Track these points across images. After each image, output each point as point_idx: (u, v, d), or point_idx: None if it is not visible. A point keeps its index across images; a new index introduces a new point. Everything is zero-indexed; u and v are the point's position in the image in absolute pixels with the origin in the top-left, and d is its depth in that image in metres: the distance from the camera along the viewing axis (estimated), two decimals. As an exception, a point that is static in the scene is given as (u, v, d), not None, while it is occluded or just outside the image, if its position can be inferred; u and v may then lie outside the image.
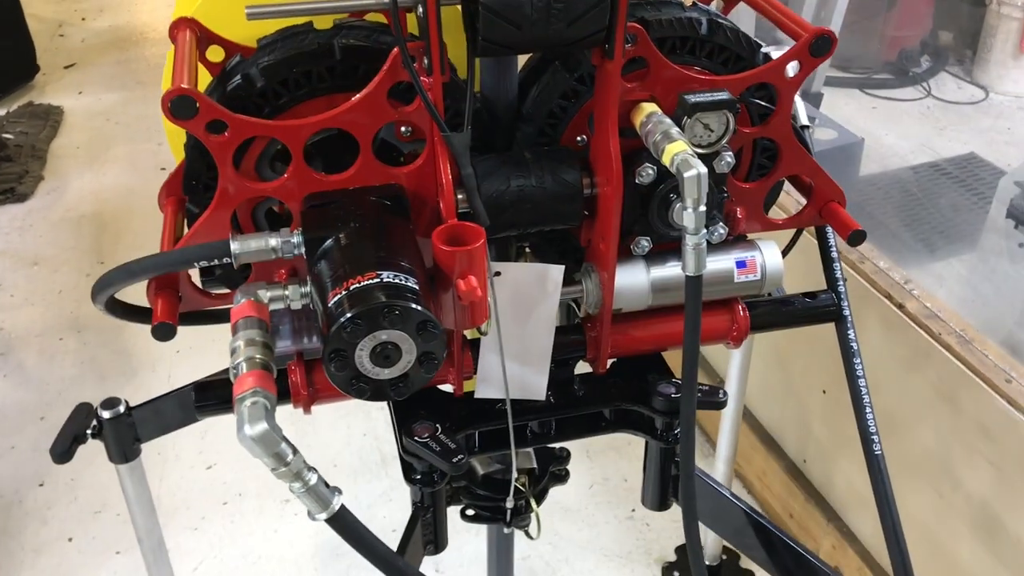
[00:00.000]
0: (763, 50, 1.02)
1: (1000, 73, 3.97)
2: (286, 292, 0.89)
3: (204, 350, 2.31)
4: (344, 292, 0.79)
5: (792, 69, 0.98)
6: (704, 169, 0.85)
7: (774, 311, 1.11)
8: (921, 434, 1.72)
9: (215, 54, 1.02)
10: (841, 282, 1.13)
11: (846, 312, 1.12)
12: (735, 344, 1.09)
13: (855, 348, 1.11)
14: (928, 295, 1.71)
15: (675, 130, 0.90)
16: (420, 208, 0.96)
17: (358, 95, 0.88)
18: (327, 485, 0.84)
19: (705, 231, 0.87)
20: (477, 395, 1.05)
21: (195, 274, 0.98)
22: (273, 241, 0.87)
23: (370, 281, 0.79)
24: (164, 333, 0.90)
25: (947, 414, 1.66)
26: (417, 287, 0.80)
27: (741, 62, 1.01)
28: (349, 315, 0.77)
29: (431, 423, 1.02)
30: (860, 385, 1.10)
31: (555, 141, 1.01)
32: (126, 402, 1.15)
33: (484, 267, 0.87)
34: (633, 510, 2.24)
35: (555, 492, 1.29)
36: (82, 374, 2.62)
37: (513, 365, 1.03)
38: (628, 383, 1.08)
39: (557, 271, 0.99)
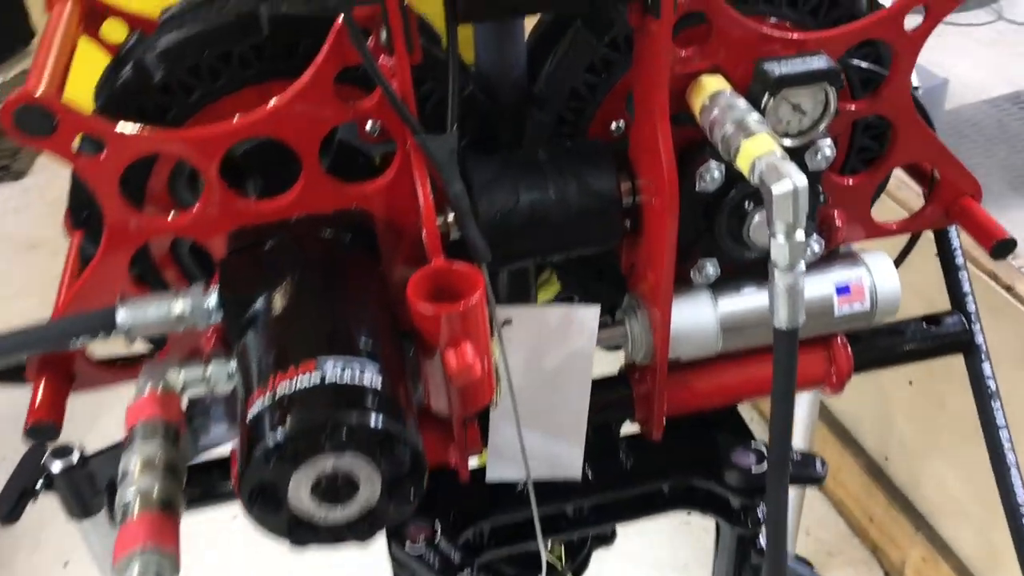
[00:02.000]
0: (867, -11, 0.73)
1: (1081, -11, 3.56)
2: (207, 373, 0.63)
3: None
4: (268, 398, 0.52)
5: (913, 19, 0.68)
6: (803, 181, 0.57)
7: (884, 345, 0.83)
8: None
9: (115, 29, 0.75)
10: (970, 298, 0.85)
11: (979, 340, 0.84)
12: (834, 391, 0.82)
13: (993, 388, 0.83)
14: (1044, 273, 1.41)
15: (754, 117, 0.62)
16: (396, 237, 0.69)
17: (290, 88, 0.61)
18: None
19: (803, 267, 0.60)
20: (489, 478, 0.78)
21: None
22: (179, 306, 0.61)
23: (306, 378, 0.52)
24: (41, 435, 0.65)
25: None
26: (379, 382, 0.54)
27: (836, 9, 0.72)
28: (275, 438, 0.50)
29: (428, 521, 0.76)
30: (1002, 439, 0.82)
31: (581, 131, 0.73)
32: (81, 450, 0.92)
33: (485, 328, 0.61)
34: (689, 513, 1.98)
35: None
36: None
37: (536, 436, 0.77)
38: (692, 448, 0.82)
39: (591, 314, 0.72)
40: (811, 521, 1.95)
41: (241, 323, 0.60)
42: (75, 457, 0.89)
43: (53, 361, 0.68)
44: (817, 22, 0.72)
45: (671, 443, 0.81)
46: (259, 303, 0.59)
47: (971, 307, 0.85)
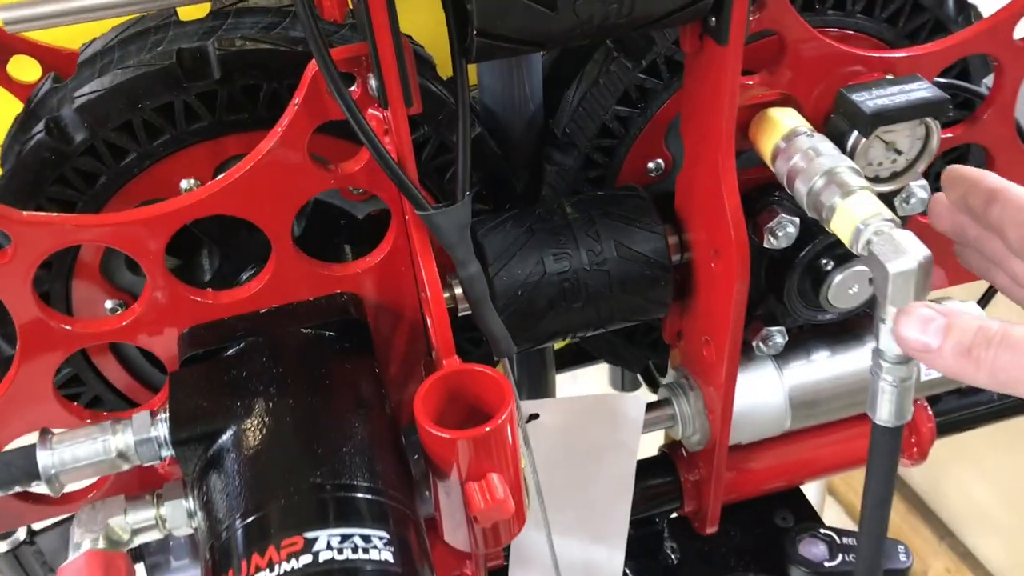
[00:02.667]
0: (953, -12, 0.60)
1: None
2: (162, 514, 0.49)
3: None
4: (243, 588, 0.39)
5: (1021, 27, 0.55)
6: (927, 254, 0.44)
7: (967, 407, 0.71)
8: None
9: (25, 69, 0.60)
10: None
11: (1073, 390, 0.72)
12: (914, 462, 0.70)
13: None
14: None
15: (847, 167, 0.49)
16: (393, 323, 0.55)
17: (251, 155, 0.46)
18: None
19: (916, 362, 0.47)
20: (513, 590, 0.65)
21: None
22: (118, 442, 0.47)
23: (294, 564, 0.39)
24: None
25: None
26: (390, 551, 0.40)
27: (921, 14, 0.59)
28: (252, 654, 0.37)
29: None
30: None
31: (611, 174, 0.60)
32: (28, 528, 0.80)
33: (515, 449, 0.47)
34: None
35: None
36: None
37: (569, 542, 0.64)
38: (749, 536, 0.69)
39: (635, 404, 0.59)
40: (830, 509, 1.85)
41: (203, 461, 0.46)
42: (22, 534, 0.78)
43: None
44: (896, 31, 0.59)
45: (724, 531, 0.68)
46: (225, 436, 0.46)
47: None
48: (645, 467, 0.67)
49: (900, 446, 0.51)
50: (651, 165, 0.60)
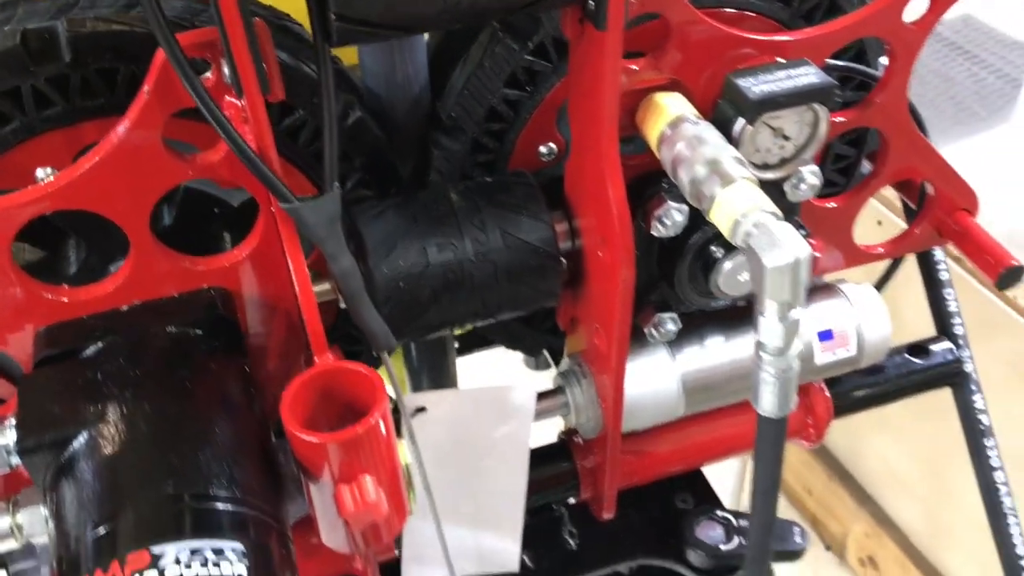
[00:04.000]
0: (848, -32, 0.58)
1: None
2: (18, 521, 0.47)
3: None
4: (84, 611, 0.37)
5: (912, 10, 0.55)
6: (806, 250, 0.43)
7: (866, 385, 0.71)
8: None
9: None
10: (958, 320, 0.73)
11: (968, 367, 0.73)
12: (811, 443, 0.70)
13: (985, 425, 0.72)
14: None
15: (730, 157, 0.47)
16: (269, 314, 0.53)
17: (99, 146, 0.43)
18: None
19: (797, 346, 0.46)
20: (406, 583, 0.64)
21: None
22: (-34, 450, 0.44)
23: (138, 581, 0.37)
24: None
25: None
26: (244, 566, 0.39)
27: (814, -5, 0.58)
28: None
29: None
30: (995, 481, 0.72)
31: (501, 159, 0.58)
32: None
33: (390, 449, 0.46)
34: None
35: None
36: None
37: (463, 531, 0.62)
38: (648, 519, 0.69)
39: (525, 396, 0.57)
40: (748, 493, 1.87)
41: (55, 467, 0.44)
42: None
43: None
44: (790, 11, 0.58)
45: (623, 515, 0.67)
46: (78, 441, 0.43)
47: (959, 330, 0.73)
48: (542, 455, 0.66)
49: (785, 434, 0.50)
50: (543, 149, 0.58)
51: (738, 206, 0.45)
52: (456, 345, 0.80)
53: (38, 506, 0.47)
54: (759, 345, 0.46)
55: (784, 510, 1.87)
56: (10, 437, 0.44)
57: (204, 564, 0.38)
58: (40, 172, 0.50)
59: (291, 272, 0.46)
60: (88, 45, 0.47)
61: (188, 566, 0.37)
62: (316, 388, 0.46)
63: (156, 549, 0.38)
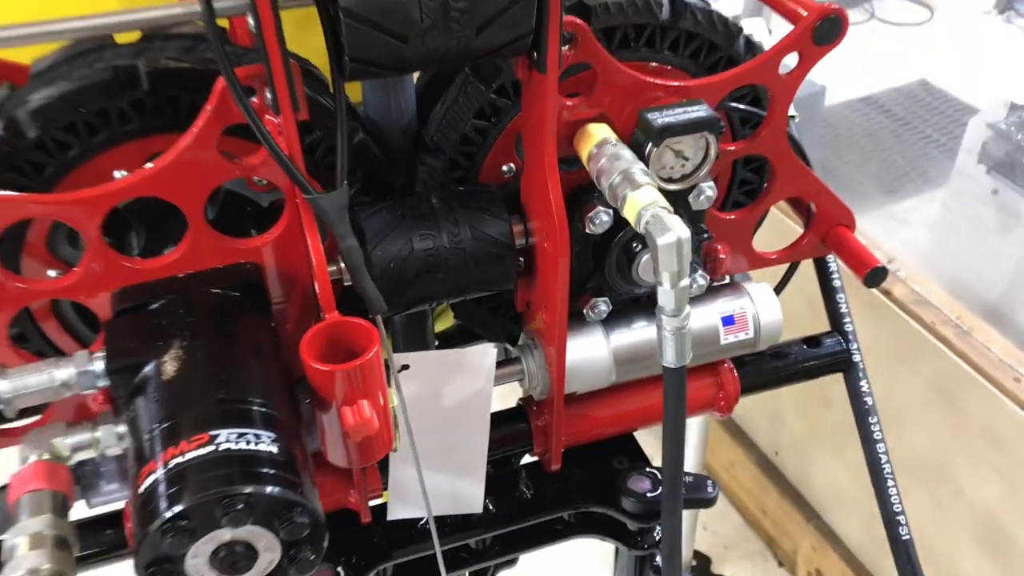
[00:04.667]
0: (744, 31, 0.76)
1: (943, -9, 3.75)
2: (96, 435, 0.61)
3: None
4: (161, 471, 0.51)
5: (788, 62, 0.71)
6: (686, 233, 0.59)
7: (769, 368, 0.86)
8: (915, 438, 1.51)
9: (-18, 78, 0.71)
10: (848, 319, 0.89)
11: (856, 358, 0.88)
12: (723, 414, 0.85)
13: (870, 404, 0.88)
14: (916, 277, 1.49)
15: (638, 168, 0.64)
16: (289, 288, 0.69)
17: (172, 149, 0.59)
18: None
19: (688, 310, 0.62)
20: (390, 517, 0.79)
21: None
22: (62, 374, 0.59)
23: (201, 452, 0.52)
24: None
25: (946, 417, 1.45)
26: (276, 447, 0.54)
27: (715, 52, 0.75)
28: (171, 513, 0.50)
29: (331, 565, 0.76)
30: (879, 451, 0.87)
31: (472, 174, 0.74)
32: None
33: (381, 383, 0.61)
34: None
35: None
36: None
37: (437, 475, 0.77)
38: (590, 475, 0.83)
39: (488, 355, 0.73)
40: (708, 516, 2.01)
41: (130, 388, 0.59)
42: None
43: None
44: (697, 65, 0.75)
45: (569, 472, 0.83)
46: (148, 368, 0.58)
47: (849, 327, 0.89)
48: (504, 416, 0.81)
49: (685, 383, 0.65)
50: (505, 168, 0.75)
51: (641, 202, 0.61)
52: (436, 343, 0.95)
53: (111, 425, 0.62)
54: (659, 309, 0.62)
55: (743, 531, 2.01)
56: (98, 365, 0.59)
57: (248, 443, 0.53)
58: (117, 174, 0.66)
59: (308, 248, 0.62)
60: (160, 78, 0.63)
61: (236, 443, 0.52)
62: (326, 335, 0.61)
63: (212, 432, 0.52)
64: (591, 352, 0.76)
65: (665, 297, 0.61)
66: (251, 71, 0.58)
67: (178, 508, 0.50)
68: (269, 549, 0.53)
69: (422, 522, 0.80)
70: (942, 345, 1.41)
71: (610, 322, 0.77)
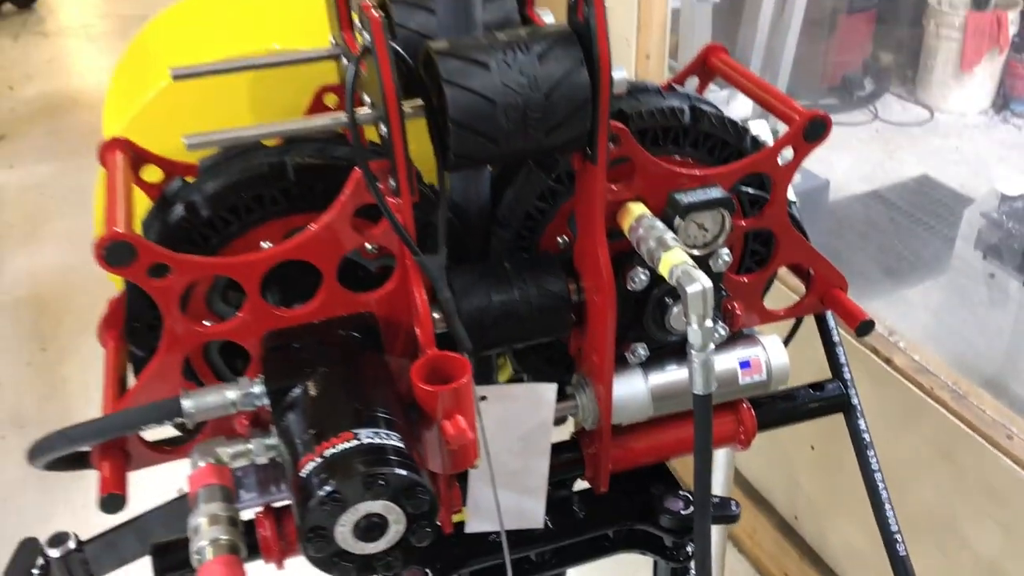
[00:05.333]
0: (750, 131, 0.95)
1: (943, 93, 3.99)
2: (249, 447, 0.79)
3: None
4: (319, 459, 0.69)
5: (785, 155, 0.90)
6: (709, 283, 0.77)
7: (781, 407, 1.03)
8: (921, 494, 1.65)
9: (152, 174, 0.91)
10: (846, 368, 1.06)
11: (855, 401, 1.05)
12: (743, 447, 1.01)
13: (867, 440, 1.04)
14: (915, 346, 1.65)
15: (669, 236, 0.82)
16: (393, 333, 0.86)
17: (318, 223, 0.78)
18: None
19: (712, 346, 0.79)
20: (468, 529, 0.95)
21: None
22: (231, 395, 0.77)
23: (348, 445, 0.69)
24: (114, 505, 0.79)
25: (947, 473, 1.59)
26: (401, 443, 0.71)
27: (727, 148, 0.94)
28: (327, 490, 0.67)
29: (420, 568, 0.91)
30: (876, 480, 1.02)
31: (533, 244, 0.93)
32: (76, 536, 1.03)
33: (472, 403, 0.78)
34: None
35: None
36: (25, 476, 2.46)
37: (506, 494, 0.93)
38: (632, 499, 0.99)
39: (550, 390, 0.90)
40: (733, 578, 2.13)
41: (283, 405, 0.76)
42: (72, 543, 1.00)
43: (113, 446, 0.82)
44: (713, 158, 0.94)
45: (615, 495, 0.99)
46: (296, 390, 0.76)
47: (847, 375, 1.06)
48: (561, 447, 0.97)
49: (711, 409, 0.82)
50: (560, 240, 0.93)
51: (672, 260, 0.79)
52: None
53: (261, 438, 0.79)
54: (689, 345, 0.79)
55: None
56: (258, 388, 0.77)
57: (382, 439, 0.70)
58: (264, 244, 0.85)
59: (416, 298, 0.80)
60: (303, 170, 0.82)
61: (373, 439, 0.69)
62: (430, 365, 0.78)
63: (355, 431, 0.70)
64: (633, 389, 0.93)
65: (694, 335, 0.78)
66: (381, 165, 0.77)
67: (333, 485, 0.67)
68: (397, 521, 0.70)
69: (492, 536, 0.96)
70: (941, 408, 1.57)
71: (648, 365, 0.94)
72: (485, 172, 0.91)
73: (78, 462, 0.90)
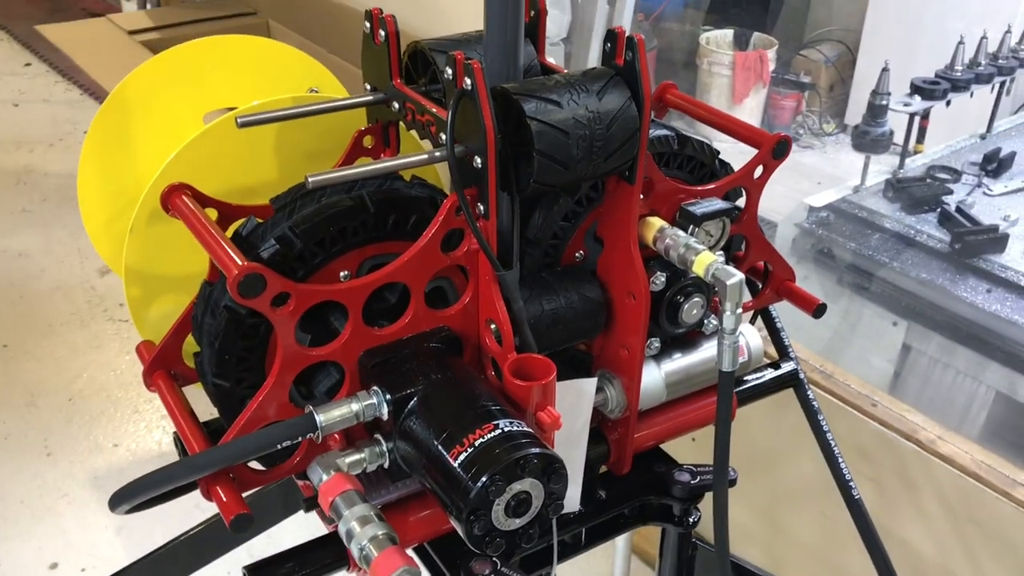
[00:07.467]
0: (719, 154, 1.13)
1: (721, 123, 4.45)
2: (363, 456, 0.86)
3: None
4: (470, 450, 0.78)
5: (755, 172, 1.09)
6: (742, 276, 0.93)
7: (753, 385, 1.21)
8: (802, 465, 1.91)
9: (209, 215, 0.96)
10: (791, 349, 1.26)
11: (801, 375, 1.25)
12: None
13: (816, 406, 1.24)
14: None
15: (694, 241, 0.98)
16: (466, 342, 0.96)
17: (414, 247, 0.88)
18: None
19: (740, 330, 0.95)
20: (521, 518, 1.05)
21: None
22: (355, 407, 0.84)
23: (492, 434, 0.79)
24: (243, 524, 0.83)
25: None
26: (525, 429, 0.81)
27: (704, 168, 1.11)
28: (489, 473, 0.76)
29: (486, 557, 1.01)
30: (829, 439, 1.23)
31: (556, 261, 1.05)
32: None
33: (554, 397, 0.90)
34: None
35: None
36: None
37: (551, 482, 1.05)
38: (642, 476, 1.13)
39: (590, 385, 1.03)
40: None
41: (404, 412, 0.84)
42: None
43: (220, 474, 0.87)
44: (693, 177, 1.11)
45: (630, 476, 1.12)
46: (417, 397, 0.85)
47: (792, 355, 1.26)
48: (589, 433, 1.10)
49: (733, 383, 0.98)
50: (577, 254, 1.07)
51: (706, 260, 0.95)
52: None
53: (372, 446, 0.87)
54: (721, 330, 0.95)
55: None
56: (375, 399, 0.85)
57: (515, 427, 0.80)
58: (342, 274, 0.92)
59: (495, 307, 0.91)
60: (380, 204, 0.91)
61: (510, 427, 0.80)
62: (516, 365, 0.89)
63: (495, 422, 0.80)
64: (650, 379, 1.08)
65: (728, 320, 0.94)
66: (471, 192, 0.87)
67: (493, 469, 0.77)
68: (538, 497, 0.80)
69: (536, 523, 1.07)
70: (814, 387, 1.82)
71: (659, 356, 1.09)
72: (516, 200, 1.03)
73: (154, 499, 0.93)
